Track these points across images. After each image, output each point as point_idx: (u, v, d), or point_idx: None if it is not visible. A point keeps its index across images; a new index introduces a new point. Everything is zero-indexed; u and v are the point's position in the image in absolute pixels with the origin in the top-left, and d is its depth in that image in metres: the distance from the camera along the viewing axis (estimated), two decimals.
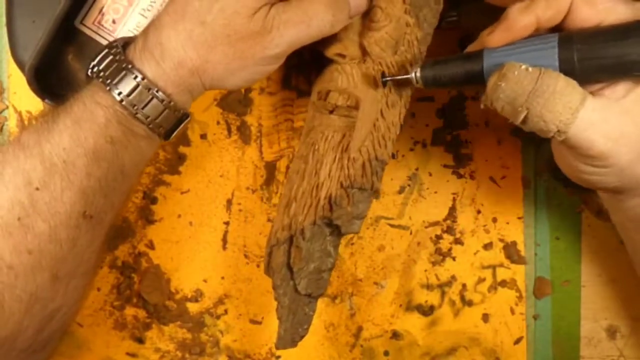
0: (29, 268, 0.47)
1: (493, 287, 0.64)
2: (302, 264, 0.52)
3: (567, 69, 0.45)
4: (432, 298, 0.64)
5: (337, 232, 0.53)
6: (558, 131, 0.46)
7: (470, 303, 0.64)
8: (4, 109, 0.62)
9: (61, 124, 0.48)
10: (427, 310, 0.64)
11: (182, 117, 0.50)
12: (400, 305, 0.64)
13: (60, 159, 0.47)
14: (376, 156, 0.52)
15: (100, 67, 0.48)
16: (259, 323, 0.64)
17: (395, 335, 0.64)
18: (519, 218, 0.64)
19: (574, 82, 0.45)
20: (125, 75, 0.48)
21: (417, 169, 0.63)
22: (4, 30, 0.58)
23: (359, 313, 0.64)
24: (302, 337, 0.54)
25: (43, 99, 0.57)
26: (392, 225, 0.64)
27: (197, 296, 0.64)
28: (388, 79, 0.52)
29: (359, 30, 0.53)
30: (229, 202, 0.63)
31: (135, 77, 0.48)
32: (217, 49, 0.48)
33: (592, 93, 0.46)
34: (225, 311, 0.64)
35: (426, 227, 0.64)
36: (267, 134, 0.63)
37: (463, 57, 0.49)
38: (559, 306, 0.63)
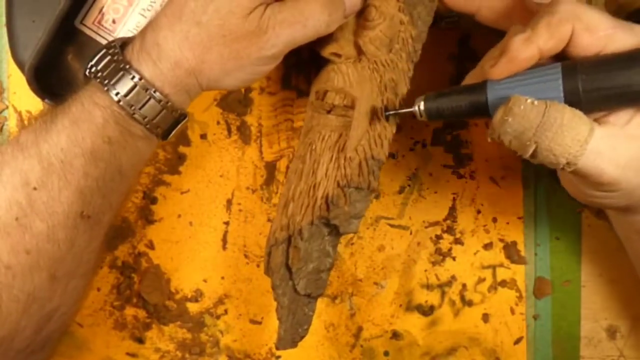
0: (26, 268, 0.47)
1: (493, 287, 0.64)
2: (300, 264, 0.52)
3: (572, 100, 0.45)
4: (432, 298, 0.64)
5: (335, 232, 0.53)
6: (567, 163, 0.45)
7: (470, 303, 0.64)
8: (3, 109, 0.62)
9: (59, 124, 0.48)
10: (427, 310, 0.64)
11: (180, 117, 0.50)
12: (400, 305, 0.64)
13: (57, 159, 0.47)
14: (372, 155, 0.52)
15: (98, 68, 0.49)
16: (259, 323, 0.64)
17: (395, 335, 0.64)
18: (519, 218, 0.63)
19: (580, 113, 0.44)
20: (122, 75, 0.48)
21: (417, 169, 0.63)
22: (4, 30, 0.58)
23: (359, 313, 0.64)
24: (302, 337, 0.54)
25: (43, 99, 0.57)
26: (392, 225, 0.64)
27: (197, 296, 0.64)
28: (391, 113, 0.52)
29: (354, 29, 0.53)
30: (229, 202, 0.63)
31: (133, 78, 0.48)
32: (213, 50, 0.48)
33: (596, 120, 0.46)
34: (225, 311, 0.64)
35: (426, 227, 0.64)
36: (267, 134, 0.63)
37: (466, 90, 0.49)
38: (559, 306, 0.63)
